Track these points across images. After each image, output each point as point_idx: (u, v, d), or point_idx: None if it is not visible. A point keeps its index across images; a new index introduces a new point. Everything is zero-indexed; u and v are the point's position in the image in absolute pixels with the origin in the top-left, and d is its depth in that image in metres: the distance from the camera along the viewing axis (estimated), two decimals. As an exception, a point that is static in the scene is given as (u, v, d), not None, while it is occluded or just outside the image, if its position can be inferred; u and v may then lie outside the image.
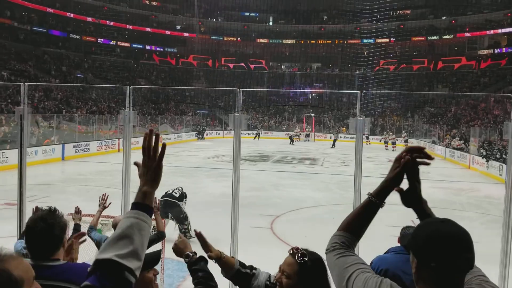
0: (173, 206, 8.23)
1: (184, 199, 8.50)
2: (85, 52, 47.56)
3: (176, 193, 8.43)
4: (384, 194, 1.50)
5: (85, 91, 37.52)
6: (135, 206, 1.33)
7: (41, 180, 14.72)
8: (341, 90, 50.32)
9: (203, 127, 39.89)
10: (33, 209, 2.88)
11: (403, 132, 36.76)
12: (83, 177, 16.94)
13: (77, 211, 3.94)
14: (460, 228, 1.25)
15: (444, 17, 50.72)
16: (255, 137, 38.06)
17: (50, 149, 20.86)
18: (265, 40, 56.46)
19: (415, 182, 1.54)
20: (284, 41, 56.52)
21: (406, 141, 33.37)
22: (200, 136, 38.16)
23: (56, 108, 32.04)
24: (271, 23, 57.54)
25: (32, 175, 13.28)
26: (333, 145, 32.49)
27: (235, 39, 56.50)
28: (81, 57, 46.62)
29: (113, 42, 50.47)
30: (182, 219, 8.24)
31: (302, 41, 56.39)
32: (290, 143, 35.22)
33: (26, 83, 4.75)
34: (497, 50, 46.54)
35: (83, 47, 47.66)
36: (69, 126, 26.54)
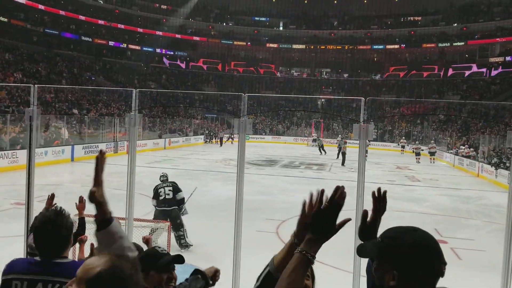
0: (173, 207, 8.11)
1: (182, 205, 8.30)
2: (96, 55, 47.97)
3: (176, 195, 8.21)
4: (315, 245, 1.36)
5: (95, 93, 37.85)
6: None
7: (50, 181, 14.88)
8: (350, 95, 50.21)
9: (214, 132, 40.11)
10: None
11: (432, 141, 31.14)
12: (91, 178, 17.04)
13: (81, 200, 4.07)
14: (432, 236, 1.26)
15: (455, 24, 50.49)
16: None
17: (59, 150, 21.05)
18: (275, 45, 56.55)
19: (378, 216, 1.49)
20: (294, 46, 56.60)
21: (432, 153, 28.38)
22: (209, 140, 38.45)
23: (67, 110, 32.35)
24: (281, 28, 57.64)
25: (41, 175, 13.43)
26: (339, 157, 26.48)
27: (245, 43, 56.68)
28: (92, 60, 47.03)
29: (124, 45, 50.89)
30: (178, 225, 8.01)
31: (312, 46, 56.42)
32: (321, 153, 30.74)
33: (36, 85, 4.83)
34: (508, 58, 46.21)
35: (94, 50, 48.11)
36: (78, 128, 26.76)
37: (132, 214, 5.49)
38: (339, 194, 1.33)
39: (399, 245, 1.22)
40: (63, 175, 17.67)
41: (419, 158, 27.81)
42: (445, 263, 1.22)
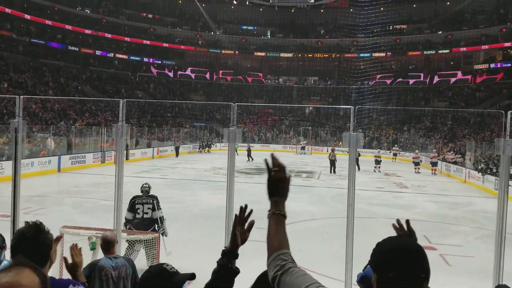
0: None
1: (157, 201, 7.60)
2: (83, 64, 47.71)
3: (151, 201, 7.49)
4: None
5: (82, 103, 37.58)
6: None
7: (37, 192, 14.66)
8: (338, 103, 50.56)
9: (210, 141, 39.93)
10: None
11: (416, 151, 29.58)
12: (78, 189, 16.88)
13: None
14: (414, 242, 1.35)
15: (440, 32, 51.20)
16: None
17: (46, 161, 20.80)
18: (263, 54, 56.78)
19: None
20: (282, 54, 56.87)
21: (434, 164, 25.94)
22: (206, 149, 38.18)
23: (53, 120, 32.06)
24: (269, 37, 57.93)
25: (27, 186, 13.25)
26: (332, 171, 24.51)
27: (233, 52, 56.81)
28: (79, 69, 46.75)
29: (111, 54, 50.68)
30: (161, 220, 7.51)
31: (300, 55, 56.74)
32: (331, 170, 24.95)
33: (22, 96, 4.77)
34: (492, 65, 46.98)
35: (81, 59, 47.83)
36: (65, 139, 26.51)
37: (120, 226, 5.43)
38: (273, 160, 1.72)
39: (376, 249, 1.32)
40: (49, 186, 17.44)
41: (418, 168, 26.50)
42: (425, 268, 1.25)
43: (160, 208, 7.53)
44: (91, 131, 28.32)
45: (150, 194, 7.64)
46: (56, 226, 7.66)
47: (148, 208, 7.36)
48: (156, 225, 7.33)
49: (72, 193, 15.73)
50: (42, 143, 23.75)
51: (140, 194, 7.59)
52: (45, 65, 42.87)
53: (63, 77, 43.20)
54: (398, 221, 1.72)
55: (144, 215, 7.30)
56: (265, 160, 1.71)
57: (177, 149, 33.66)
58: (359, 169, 24.26)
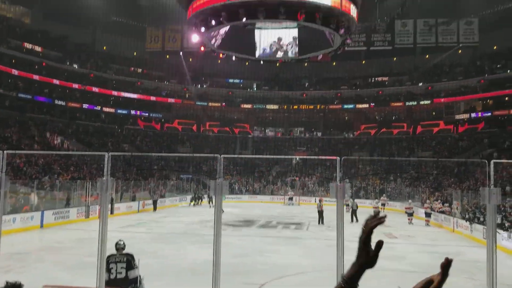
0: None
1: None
2: (70, 118, 47.77)
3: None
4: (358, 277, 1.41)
5: (67, 157, 37.31)
6: None
7: (19, 249, 14.20)
8: (324, 153, 51.00)
9: (201, 194, 39.45)
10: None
11: (409, 201, 28.29)
12: (61, 245, 16.40)
13: None
14: None
15: (420, 84, 52.81)
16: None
17: (28, 217, 20.30)
18: (249, 106, 57.67)
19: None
20: (268, 106, 57.83)
21: (428, 214, 25.25)
22: (196, 202, 37.56)
23: (38, 174, 31.65)
24: (255, 89, 59.05)
25: (9, 243, 12.83)
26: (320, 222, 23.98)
27: (219, 104, 57.60)
28: (65, 123, 46.76)
29: (98, 108, 50.95)
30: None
31: (285, 107, 57.74)
32: (319, 221, 24.32)
33: (5, 151, 4.72)
34: (473, 115, 48.18)
35: (68, 113, 47.93)
36: (49, 194, 26.07)
37: (103, 283, 5.24)
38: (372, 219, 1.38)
39: None
40: (31, 243, 16.92)
41: (411, 219, 25.90)
42: None
43: (137, 267, 6.96)
44: (76, 185, 27.92)
45: (125, 252, 6.98)
46: (37, 285, 7.35)
47: (122, 268, 6.74)
48: (132, 286, 6.79)
49: (55, 250, 15.26)
50: (24, 199, 23.27)
51: (115, 252, 6.89)
52: (31, 120, 42.81)
53: (49, 131, 43.07)
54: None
55: (117, 275, 6.71)
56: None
57: (154, 202, 32.63)
58: (357, 220, 23.99)
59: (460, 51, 51.17)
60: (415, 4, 43.07)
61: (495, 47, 49.37)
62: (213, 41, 24.24)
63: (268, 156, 48.63)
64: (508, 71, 46.17)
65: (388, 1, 38.58)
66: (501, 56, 48.31)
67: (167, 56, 57.48)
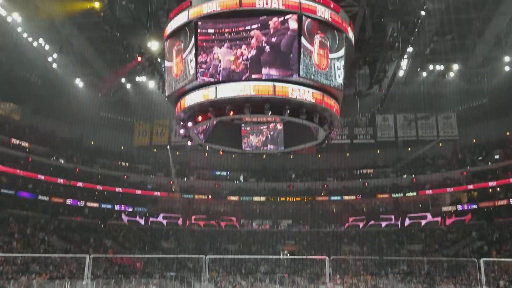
0: None
1: None
2: (52, 214, 46.78)
3: None
4: None
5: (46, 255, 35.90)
6: None
7: None
8: (313, 246, 50.03)
9: None
10: None
11: None
12: None
13: None
14: None
15: (405, 176, 53.47)
16: None
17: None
18: (236, 198, 57.24)
19: None
20: (255, 198, 57.46)
21: None
22: None
23: (15, 274, 30.12)
24: (242, 181, 59.04)
25: None
26: None
27: (206, 197, 57.09)
28: (48, 219, 45.65)
29: (82, 203, 50.03)
30: None
31: (272, 198, 57.45)
32: None
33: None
34: (459, 207, 48.28)
35: (50, 209, 47.02)
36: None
37: None
38: None
39: None
40: None
41: None
42: None
43: None
44: (54, 286, 26.52)
45: None
46: None
47: None
48: None
49: None
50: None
51: None
52: (12, 216, 41.75)
53: (30, 227, 41.90)
54: None
55: None
56: None
57: None
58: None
59: (441, 144, 52.69)
60: (394, 100, 45.00)
61: (474, 140, 51.04)
62: (200, 135, 24.59)
63: (254, 256, 47.48)
64: (489, 163, 47.29)
65: (368, 98, 40.36)
66: (481, 148, 49.85)
67: (155, 150, 57.97)
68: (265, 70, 19.00)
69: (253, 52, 19.08)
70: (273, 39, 18.99)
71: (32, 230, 41.39)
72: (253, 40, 19.08)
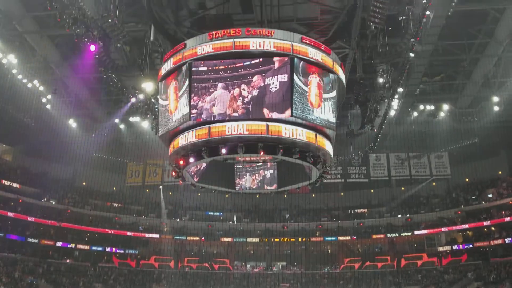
0: None
1: None
2: (41, 256, 45.70)
3: None
4: None
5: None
6: None
7: None
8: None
9: None
10: None
11: None
12: None
13: None
14: None
15: (399, 216, 53.13)
16: None
17: None
18: (230, 239, 56.34)
19: None
20: (249, 239, 56.57)
21: None
22: None
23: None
24: (235, 222, 58.29)
25: None
26: None
27: (199, 238, 56.15)
28: (37, 262, 44.55)
29: (72, 245, 49.04)
30: None
31: (266, 239, 56.60)
32: None
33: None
34: (455, 247, 47.82)
35: (40, 251, 45.99)
36: None
37: None
38: None
39: None
40: None
41: None
42: None
43: None
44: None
45: None
46: None
47: None
48: None
49: None
50: None
51: None
52: (1, 259, 40.73)
53: (18, 270, 40.83)
54: None
55: None
56: None
57: None
58: None
59: (434, 183, 52.74)
60: (386, 140, 45.39)
61: (466, 179, 51.18)
62: (193, 175, 24.45)
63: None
64: (483, 202, 47.23)
65: (360, 137, 40.75)
66: (474, 187, 49.90)
67: (147, 190, 57.45)
68: (266, 111, 19.15)
69: (254, 93, 19.31)
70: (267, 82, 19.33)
71: (20, 274, 40.30)
72: (254, 79, 19.39)
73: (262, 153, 19.69)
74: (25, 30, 30.76)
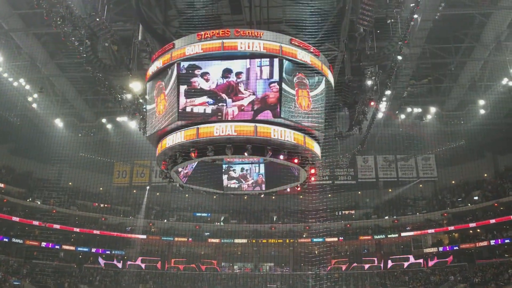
0: None
1: None
2: (26, 257, 45.11)
3: None
4: None
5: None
6: None
7: None
8: (295, 290, 48.92)
9: None
10: None
11: None
12: None
13: None
14: None
15: (386, 217, 53.43)
16: None
17: None
18: (217, 240, 56.14)
19: None
20: (236, 240, 56.43)
21: None
22: None
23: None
24: (222, 223, 58.13)
25: None
26: None
27: (186, 239, 55.88)
28: (21, 263, 43.94)
29: (58, 246, 48.44)
30: None
31: (254, 241, 56.51)
32: None
33: None
34: (441, 248, 48.21)
35: (24, 252, 45.38)
36: None
37: None
38: None
39: None
40: None
41: None
42: None
43: None
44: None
45: None
46: None
47: None
48: None
49: None
50: None
51: None
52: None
53: (2, 271, 40.22)
54: None
55: None
56: None
57: None
58: None
59: (421, 185, 53.14)
60: (374, 142, 45.64)
61: (453, 181, 51.67)
62: (181, 176, 24.31)
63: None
64: (469, 204, 47.71)
65: (348, 139, 40.85)
66: (460, 189, 50.39)
67: (134, 191, 57.02)
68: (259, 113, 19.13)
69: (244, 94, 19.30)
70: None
71: (3, 275, 39.71)
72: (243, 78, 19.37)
73: (250, 154, 19.66)
74: (11, 28, 30.36)
